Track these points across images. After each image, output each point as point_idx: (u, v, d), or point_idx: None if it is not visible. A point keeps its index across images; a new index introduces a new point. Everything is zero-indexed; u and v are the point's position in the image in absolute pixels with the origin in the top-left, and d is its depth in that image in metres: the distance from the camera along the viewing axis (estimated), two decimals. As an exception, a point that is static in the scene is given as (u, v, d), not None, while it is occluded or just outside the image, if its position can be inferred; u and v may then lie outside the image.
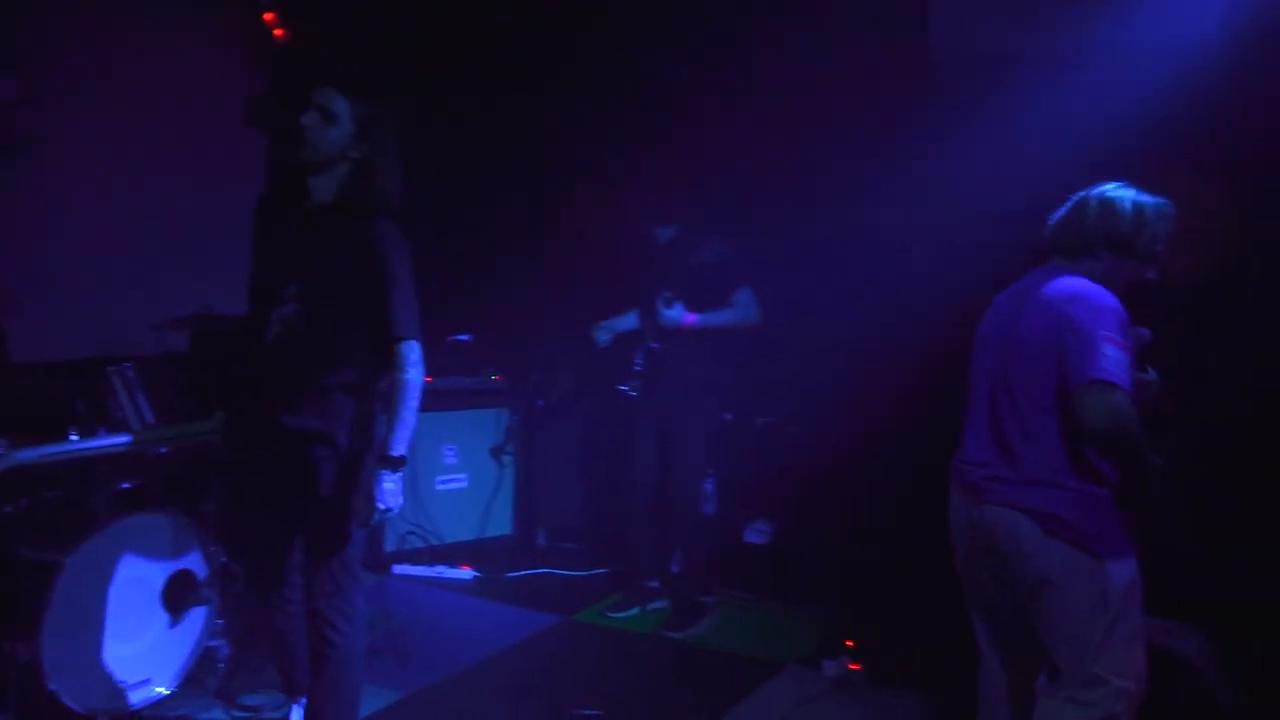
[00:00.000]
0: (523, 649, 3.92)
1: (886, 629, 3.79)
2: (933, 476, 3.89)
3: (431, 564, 4.69)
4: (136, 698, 3.10)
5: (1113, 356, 2.17)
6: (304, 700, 2.87)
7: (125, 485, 3.40)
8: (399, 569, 4.70)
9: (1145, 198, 2.39)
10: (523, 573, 4.76)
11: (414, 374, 2.64)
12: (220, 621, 3.37)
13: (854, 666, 3.57)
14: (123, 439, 3.21)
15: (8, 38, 4.47)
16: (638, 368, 4.11)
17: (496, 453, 5.13)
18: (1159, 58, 3.40)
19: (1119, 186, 2.41)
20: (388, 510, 2.63)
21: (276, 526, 2.80)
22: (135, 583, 3.13)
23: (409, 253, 2.69)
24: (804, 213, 4.32)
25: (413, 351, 2.65)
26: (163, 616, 3.20)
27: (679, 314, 4.00)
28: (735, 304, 4.06)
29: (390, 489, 2.62)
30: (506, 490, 5.15)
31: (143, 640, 3.14)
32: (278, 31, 5.72)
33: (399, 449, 2.63)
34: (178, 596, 3.23)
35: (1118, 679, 2.27)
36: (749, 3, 4.48)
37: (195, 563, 3.29)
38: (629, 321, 4.29)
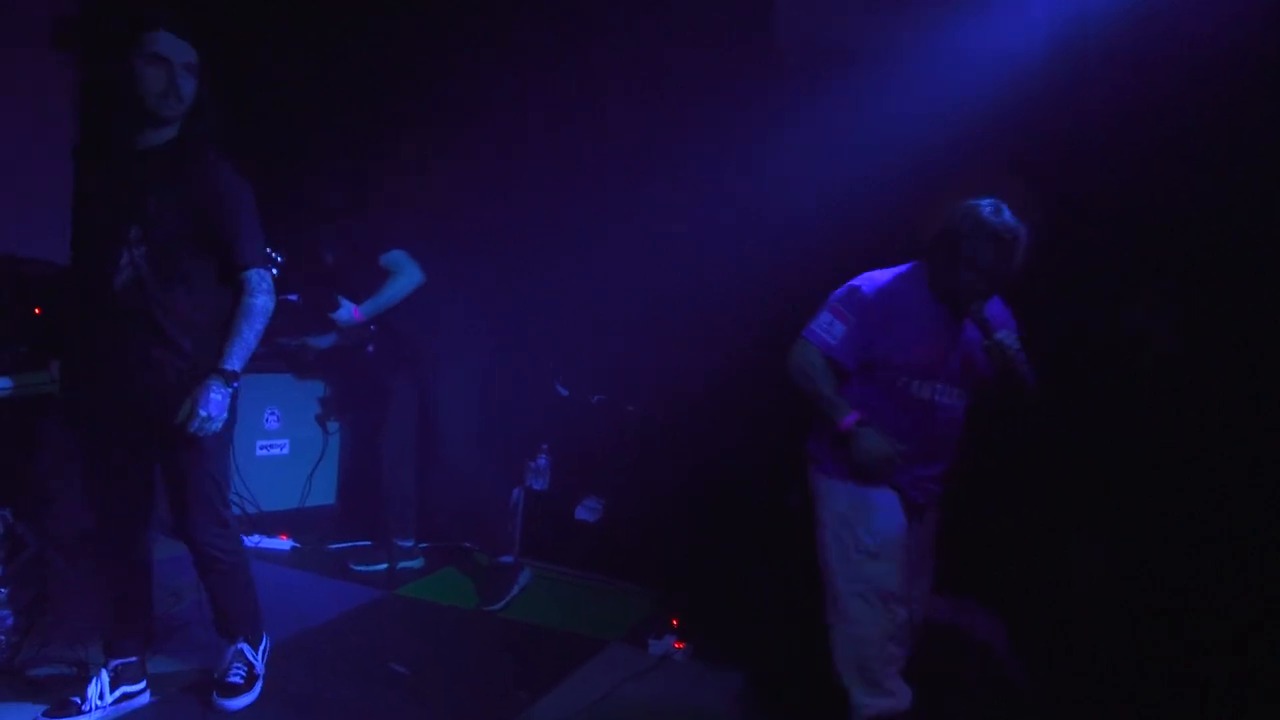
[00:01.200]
0: (341, 622, 3.79)
1: (711, 608, 3.87)
2: (753, 457, 4.03)
3: (249, 534, 4.44)
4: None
5: (823, 321, 2.76)
6: (114, 663, 2.90)
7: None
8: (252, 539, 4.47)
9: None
10: (345, 544, 4.59)
11: (263, 300, 2.73)
12: (4, 590, 3.07)
13: (679, 645, 3.63)
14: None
15: None
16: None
17: (321, 420, 4.93)
18: (990, 59, 3.59)
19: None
20: (208, 418, 2.65)
21: (135, 468, 2.82)
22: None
23: (248, 184, 2.74)
24: (643, 203, 4.32)
25: (263, 280, 2.74)
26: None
27: (346, 313, 4.10)
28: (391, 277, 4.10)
29: (217, 399, 2.65)
30: (331, 459, 4.95)
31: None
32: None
33: (232, 364, 2.68)
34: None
35: (848, 597, 2.75)
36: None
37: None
38: (327, 340, 4.53)
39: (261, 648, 3.09)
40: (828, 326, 2.75)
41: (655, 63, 4.34)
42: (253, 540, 4.44)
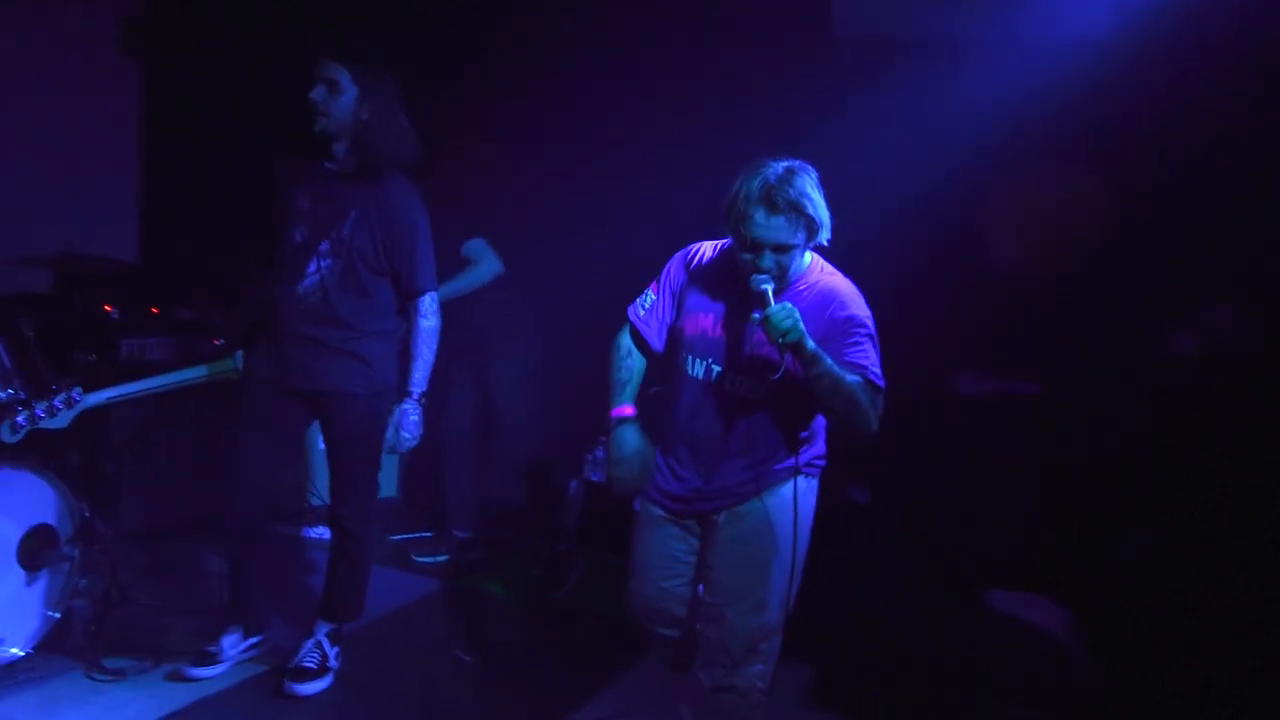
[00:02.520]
0: (405, 612, 3.84)
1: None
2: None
3: (313, 525, 4.52)
4: (-13, 659, 2.90)
5: (642, 296, 2.60)
6: (240, 623, 3.16)
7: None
8: (310, 531, 4.55)
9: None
10: (406, 536, 4.64)
11: (434, 322, 3.07)
12: (83, 581, 3.17)
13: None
14: (198, 371, 3.33)
15: None
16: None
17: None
18: (1052, 50, 3.50)
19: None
20: (411, 439, 3.02)
21: (277, 458, 3.13)
22: (-14, 538, 2.91)
23: (425, 205, 3.06)
24: (698, 196, 4.29)
25: (433, 302, 3.07)
26: (18, 574, 2.99)
27: None
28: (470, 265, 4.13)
29: (414, 420, 3.02)
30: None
31: (-6, 599, 2.93)
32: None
33: (419, 386, 3.03)
34: (35, 553, 3.03)
35: None
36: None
37: (56, 517, 3.08)
38: None
39: (338, 644, 3.20)
40: (643, 299, 2.60)
41: (712, 57, 4.31)
42: (317, 532, 4.51)
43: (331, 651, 3.17)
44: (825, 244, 2.38)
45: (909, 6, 4.03)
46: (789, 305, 2.24)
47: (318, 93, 2.89)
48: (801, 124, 3.92)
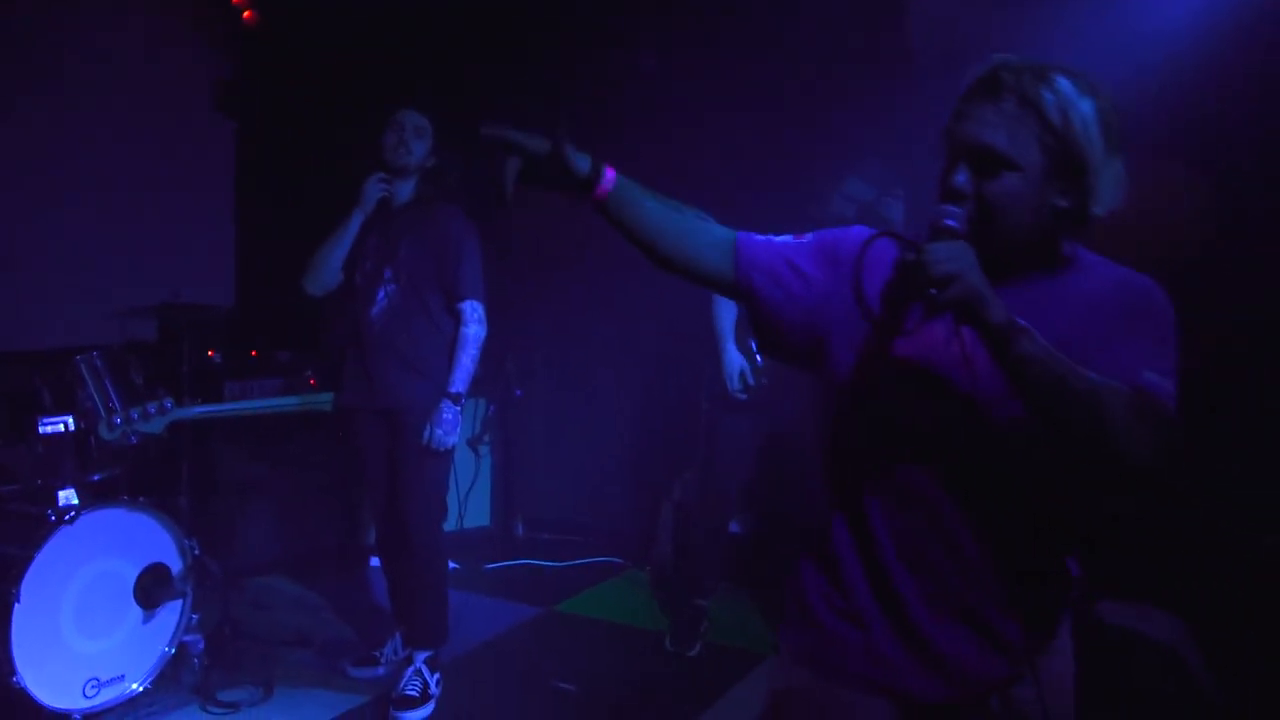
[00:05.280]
0: (503, 639, 3.87)
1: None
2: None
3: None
4: (109, 694, 3.01)
5: None
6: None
7: (95, 477, 3.30)
8: (376, 561, 4.60)
9: None
10: (501, 564, 4.70)
11: (476, 329, 3.23)
12: (196, 616, 3.28)
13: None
14: (290, 400, 3.73)
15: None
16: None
17: (474, 443, 5.07)
18: (1134, 47, 3.41)
19: None
20: (443, 434, 3.15)
21: (394, 477, 3.27)
22: (106, 577, 3.04)
23: (476, 231, 3.29)
24: (779, 200, 4.28)
25: (475, 310, 3.24)
26: (136, 611, 3.12)
27: None
28: None
29: (448, 418, 3.16)
30: (484, 481, 5.08)
31: (115, 636, 3.05)
32: (246, 14, 5.60)
33: (457, 386, 3.19)
34: (151, 591, 3.15)
35: None
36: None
37: (169, 556, 3.21)
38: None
39: (437, 671, 3.25)
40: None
41: (788, 67, 4.30)
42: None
43: (432, 679, 3.22)
44: (1098, 213, 1.38)
45: (986, 11, 3.98)
46: (963, 244, 1.31)
47: (408, 134, 3.23)
48: (882, 136, 3.92)
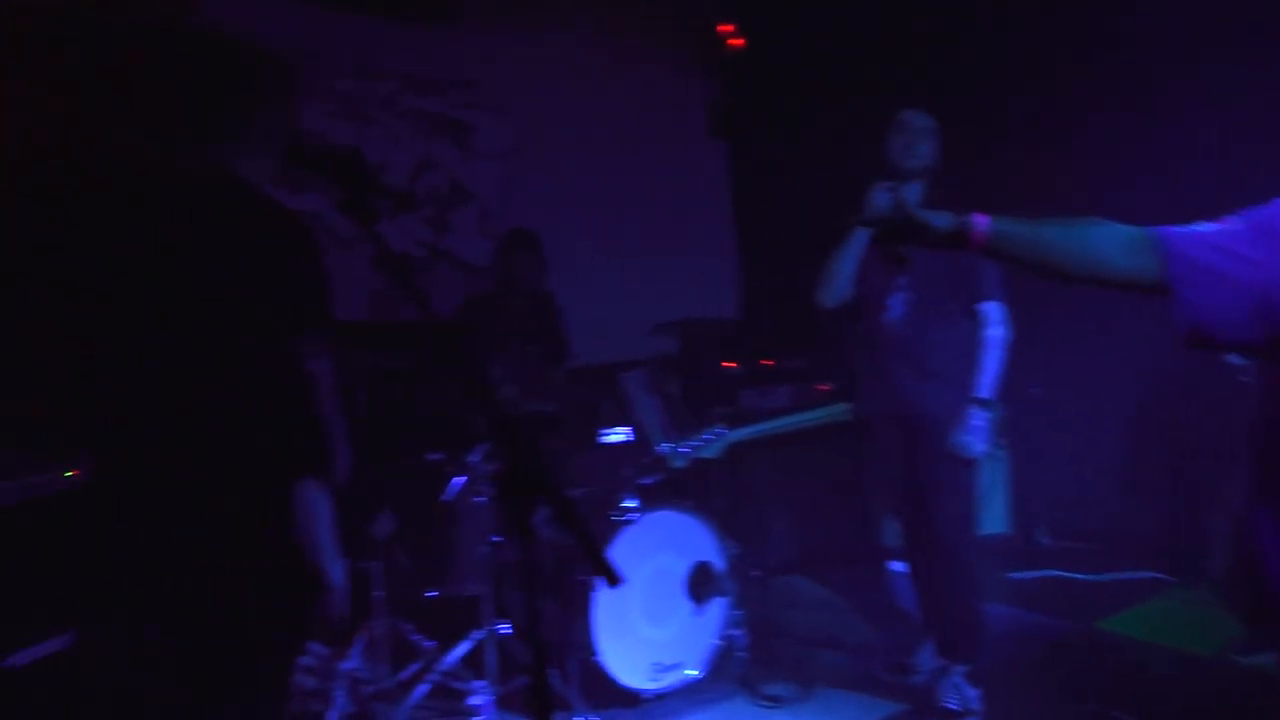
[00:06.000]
0: (1039, 656, 3.63)
1: None
2: None
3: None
4: (671, 679, 3.30)
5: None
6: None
7: (646, 481, 3.64)
8: (895, 564, 4.57)
9: None
10: (1025, 574, 4.42)
11: (999, 331, 3.12)
12: (739, 612, 3.48)
13: None
14: (816, 413, 4.00)
15: (504, 85, 5.05)
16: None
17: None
18: None
19: None
20: (974, 444, 3.07)
21: (918, 486, 3.21)
22: (663, 572, 3.35)
23: None
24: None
25: (996, 311, 3.12)
26: (688, 605, 3.38)
27: None
28: None
29: (978, 425, 3.07)
30: (1000, 484, 4.82)
31: (672, 626, 3.34)
32: (734, 41, 5.92)
33: (985, 391, 3.09)
34: (700, 586, 3.40)
35: None
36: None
37: (713, 555, 3.44)
38: None
39: (978, 686, 3.13)
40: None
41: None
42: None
43: (972, 694, 3.09)
44: None
45: None
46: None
47: (906, 139, 3.13)
48: None
